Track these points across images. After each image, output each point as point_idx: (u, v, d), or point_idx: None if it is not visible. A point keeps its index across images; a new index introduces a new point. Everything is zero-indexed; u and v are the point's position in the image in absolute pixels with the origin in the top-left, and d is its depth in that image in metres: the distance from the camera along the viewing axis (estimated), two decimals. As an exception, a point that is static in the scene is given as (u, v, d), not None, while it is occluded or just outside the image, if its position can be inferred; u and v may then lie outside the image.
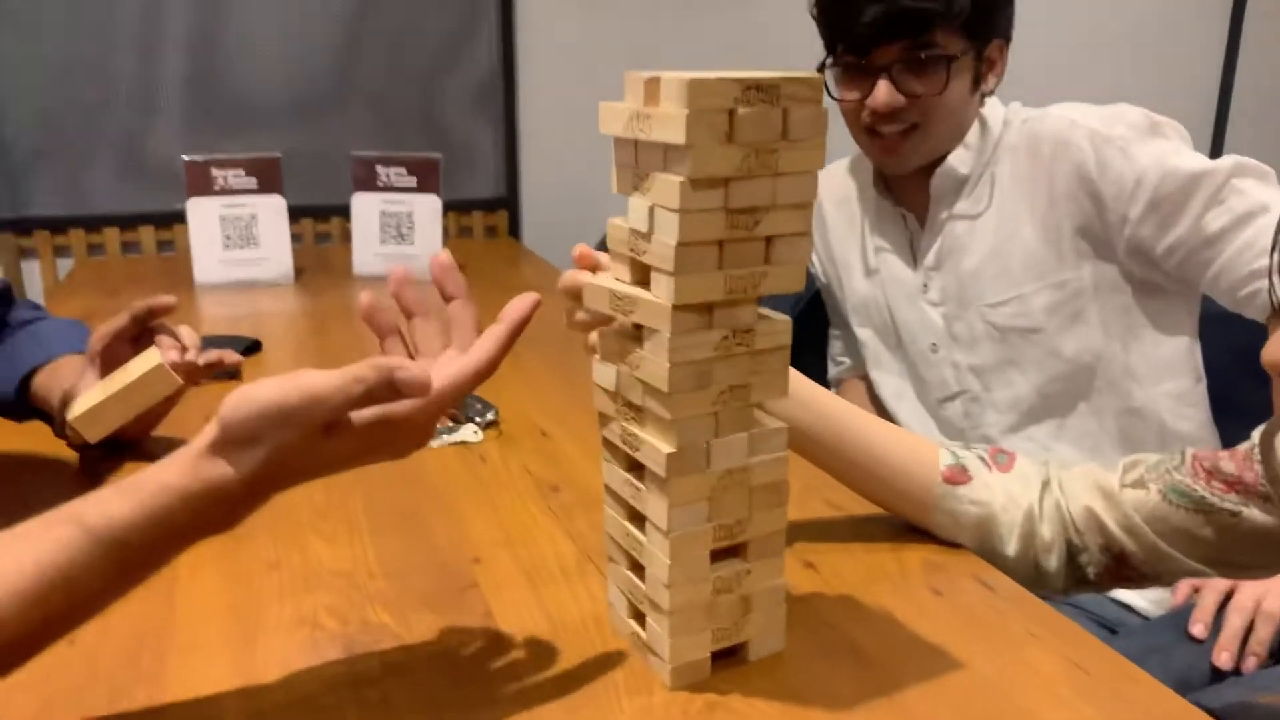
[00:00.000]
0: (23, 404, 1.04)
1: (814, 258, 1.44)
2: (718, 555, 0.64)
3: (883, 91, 1.13)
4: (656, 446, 0.61)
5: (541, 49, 2.30)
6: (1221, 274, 1.05)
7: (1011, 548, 0.80)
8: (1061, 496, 0.80)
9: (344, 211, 2.19)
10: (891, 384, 1.36)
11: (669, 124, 0.55)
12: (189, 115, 2.11)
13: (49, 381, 1.02)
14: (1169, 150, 1.07)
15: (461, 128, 2.29)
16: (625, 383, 0.63)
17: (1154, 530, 0.75)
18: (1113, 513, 0.78)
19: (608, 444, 0.67)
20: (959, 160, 1.19)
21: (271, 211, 1.77)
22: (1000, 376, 1.22)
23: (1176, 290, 1.14)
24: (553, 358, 1.38)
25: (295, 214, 2.12)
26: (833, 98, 1.19)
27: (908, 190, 1.26)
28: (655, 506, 0.62)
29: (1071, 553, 0.80)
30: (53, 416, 0.98)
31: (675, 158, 0.55)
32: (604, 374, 0.65)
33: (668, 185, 0.56)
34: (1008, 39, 1.18)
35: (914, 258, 1.27)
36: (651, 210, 0.58)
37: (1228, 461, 0.73)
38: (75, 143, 2.05)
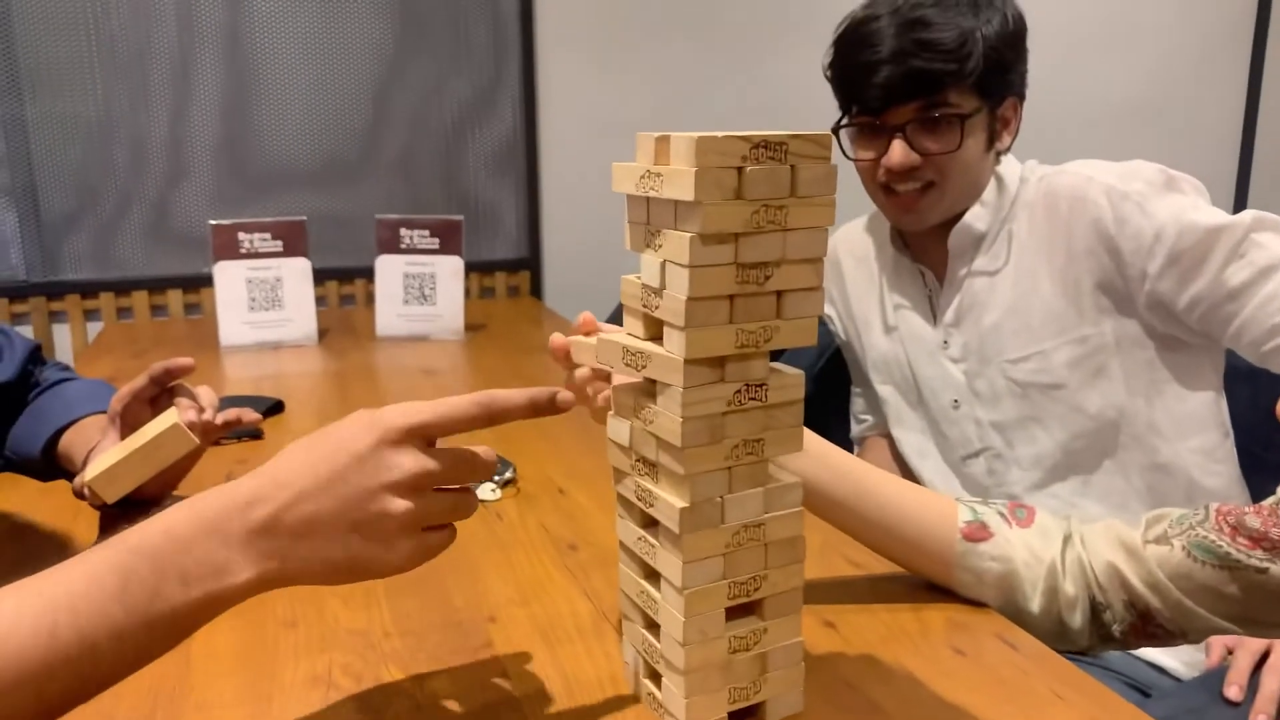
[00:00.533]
0: (49, 463, 1.06)
1: (833, 314, 1.45)
2: (733, 613, 0.63)
3: (897, 151, 1.14)
4: (670, 501, 0.61)
5: (562, 112, 2.34)
6: (1244, 328, 1.04)
7: (1035, 604, 0.78)
8: (1084, 552, 0.79)
9: (368, 273, 2.23)
10: (914, 441, 1.35)
11: (678, 181, 0.55)
12: (217, 179, 2.16)
13: (74, 441, 1.04)
14: (1186, 205, 1.07)
15: (484, 190, 2.33)
16: (639, 438, 0.63)
17: (1179, 587, 0.74)
18: (1136, 569, 0.76)
19: (622, 500, 0.67)
20: (976, 217, 1.20)
21: (296, 274, 1.80)
22: (1023, 433, 1.21)
23: (1200, 345, 1.13)
24: (570, 417, 1.38)
25: (319, 276, 2.15)
26: (848, 157, 1.20)
27: (926, 247, 1.27)
28: (669, 562, 0.62)
29: (1095, 609, 0.78)
30: (75, 476, 0.99)
31: (685, 214, 0.56)
32: (618, 429, 0.65)
33: (678, 241, 0.57)
34: (1021, 97, 1.19)
35: (933, 314, 1.27)
36: (663, 266, 0.59)
37: (1253, 517, 0.72)
38: (106, 206, 2.10)
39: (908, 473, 1.35)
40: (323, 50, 2.17)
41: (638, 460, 0.64)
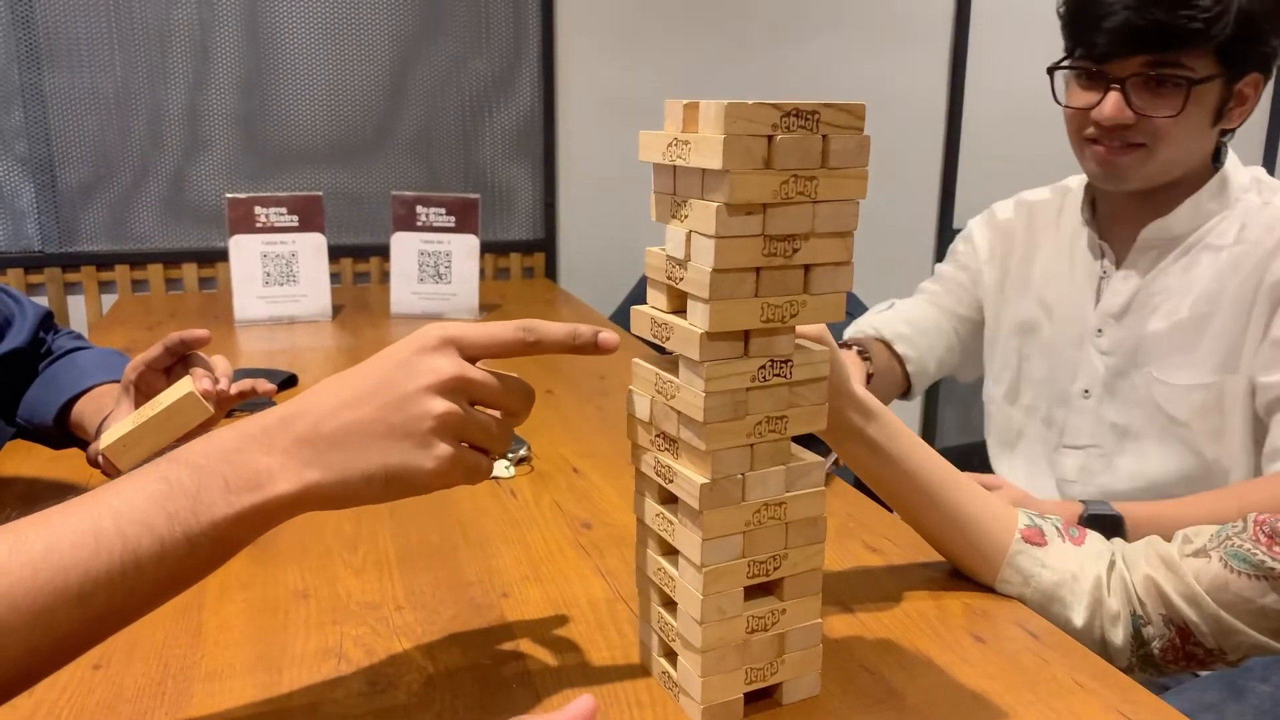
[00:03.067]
0: (62, 431, 1.05)
1: (980, 248, 1.35)
2: (752, 592, 0.62)
3: (1110, 104, 1.04)
4: (690, 478, 0.60)
5: (580, 94, 2.32)
6: None
7: (1079, 617, 0.77)
8: (1125, 568, 0.78)
9: (383, 251, 2.22)
10: (1015, 418, 1.29)
11: (706, 149, 0.54)
12: (234, 154, 2.15)
13: (87, 409, 1.03)
14: None
15: (501, 171, 2.31)
16: (660, 412, 0.62)
17: (1216, 600, 0.73)
18: (1173, 581, 0.75)
19: (641, 476, 0.66)
20: (1180, 219, 1.11)
21: (311, 249, 1.79)
22: (1136, 446, 1.15)
23: None
24: (585, 395, 1.37)
25: (335, 253, 2.15)
26: (1057, 102, 1.12)
27: (1114, 227, 1.18)
28: (688, 540, 0.61)
29: (1136, 626, 0.77)
30: (88, 444, 0.99)
31: (712, 183, 0.55)
32: (638, 404, 0.64)
33: (705, 211, 0.55)
34: (1268, 74, 1.06)
35: (1096, 299, 1.20)
36: (689, 237, 0.57)
37: (1289, 521, 0.71)
38: (123, 179, 2.09)
39: (928, 431, 1.33)
40: (342, 27, 2.15)
41: (658, 435, 0.63)
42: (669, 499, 0.64)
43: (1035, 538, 0.80)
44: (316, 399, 0.57)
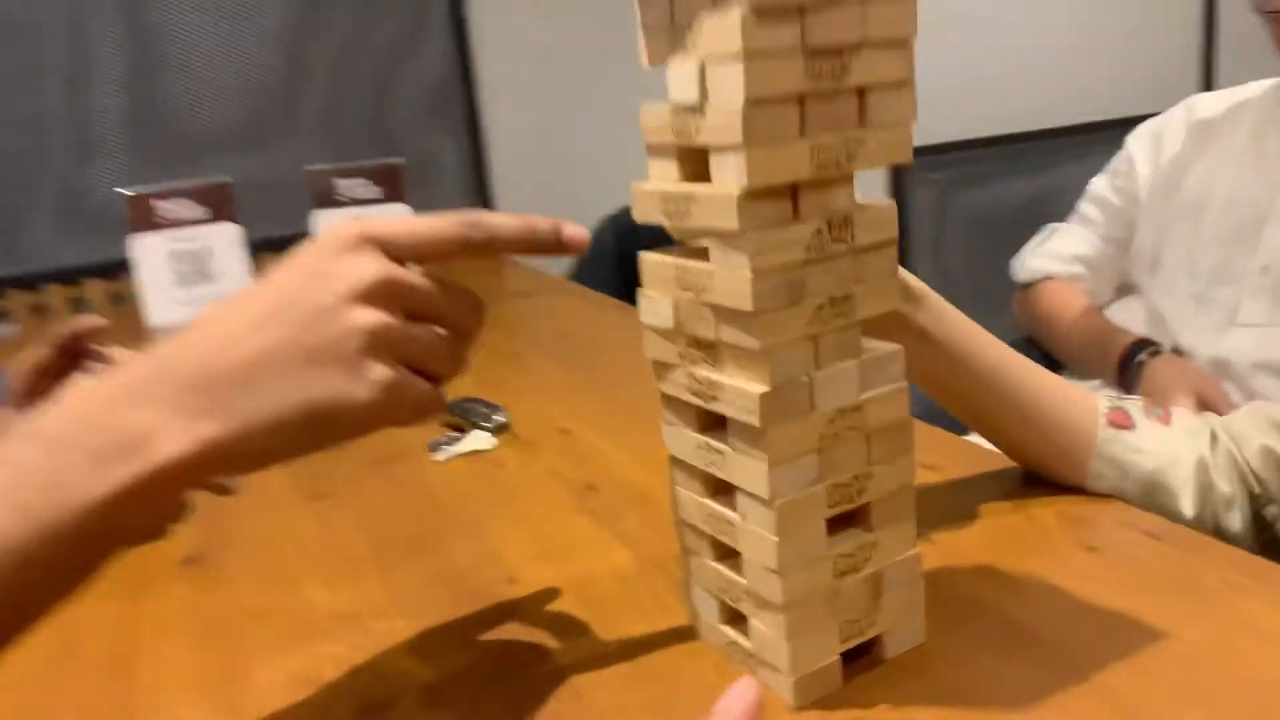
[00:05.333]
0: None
1: (1139, 162, 1.35)
2: (834, 526, 0.49)
3: None
4: (743, 388, 0.46)
5: (500, 46, 2.15)
6: None
7: (1189, 507, 0.65)
8: (1232, 444, 0.66)
9: (306, 237, 2.04)
10: (1185, 308, 1.23)
11: (723, -69, 0.40)
12: (130, 153, 1.95)
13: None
14: None
15: (422, 137, 2.14)
16: (688, 314, 0.48)
17: None
18: None
19: (669, 402, 0.52)
20: None
21: (226, 241, 1.61)
22: None
23: None
24: (559, 355, 1.23)
25: (256, 249, 1.96)
26: (1264, 12, 1.10)
27: None
28: (749, 469, 0.47)
29: (1255, 508, 0.65)
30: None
31: (733, -18, 0.41)
32: (656, 310, 0.50)
33: (724, 26, 0.41)
34: None
35: None
36: (702, 69, 0.43)
37: None
38: (7, 196, 1.88)
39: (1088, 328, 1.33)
40: (225, 4, 1.96)
41: (689, 345, 0.49)
42: (713, 423, 0.50)
43: (1122, 420, 0.67)
44: (205, 331, 0.42)
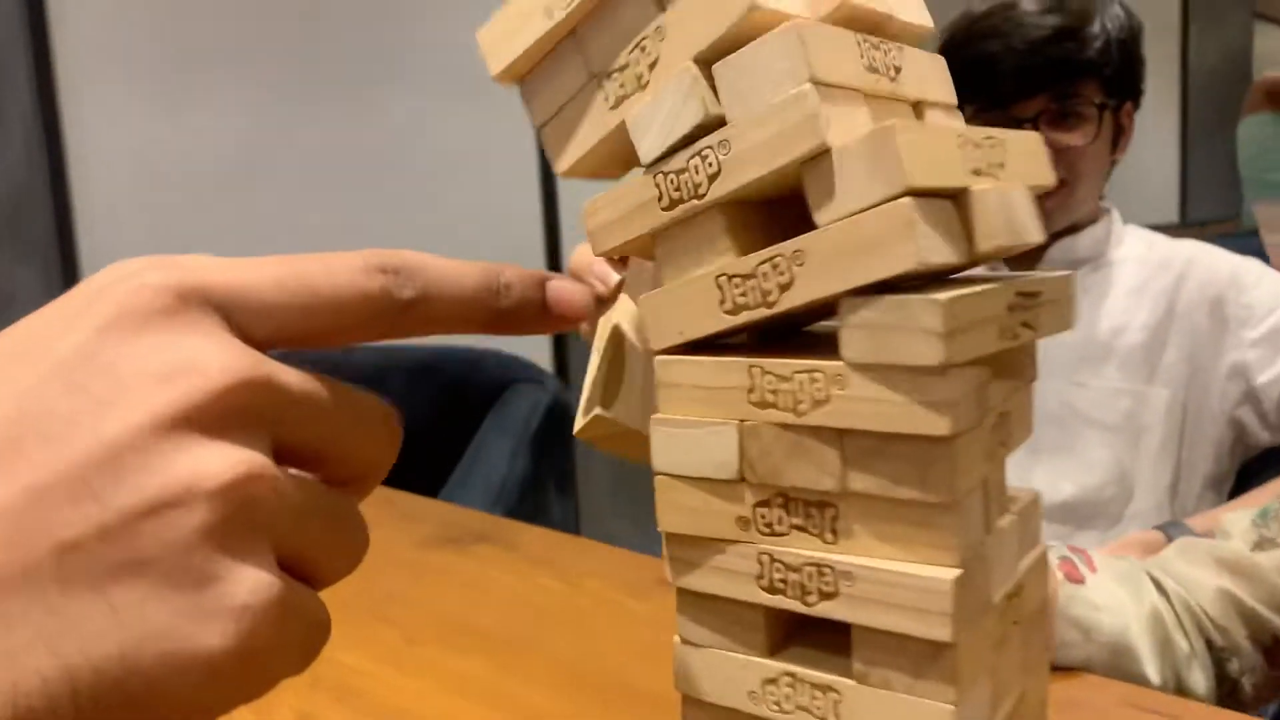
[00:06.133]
0: None
1: None
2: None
3: None
4: (908, 573, 0.26)
5: (105, 161, 1.77)
6: None
7: (1151, 668, 0.55)
8: (1180, 588, 0.57)
9: None
10: None
11: None
12: None
13: None
14: None
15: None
16: (773, 449, 0.28)
17: None
18: (1253, 588, 0.56)
19: (702, 606, 0.31)
20: (1086, 242, 1.10)
21: None
22: (1051, 459, 1.09)
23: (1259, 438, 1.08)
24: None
25: None
26: None
27: (1019, 257, 1.12)
28: (910, 715, 0.27)
29: (1219, 662, 0.56)
30: None
31: None
32: (701, 446, 0.30)
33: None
34: (1138, 104, 1.10)
35: None
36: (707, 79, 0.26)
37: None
38: None
39: None
40: None
41: (766, 504, 0.29)
42: (790, 637, 0.30)
43: (1073, 573, 0.57)
44: None
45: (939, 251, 0.26)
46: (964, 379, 0.26)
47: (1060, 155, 1.05)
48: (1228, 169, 3.00)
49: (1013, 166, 0.30)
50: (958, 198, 0.27)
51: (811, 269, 0.27)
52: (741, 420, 0.29)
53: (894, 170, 0.25)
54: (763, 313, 0.28)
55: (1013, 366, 0.30)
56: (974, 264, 0.29)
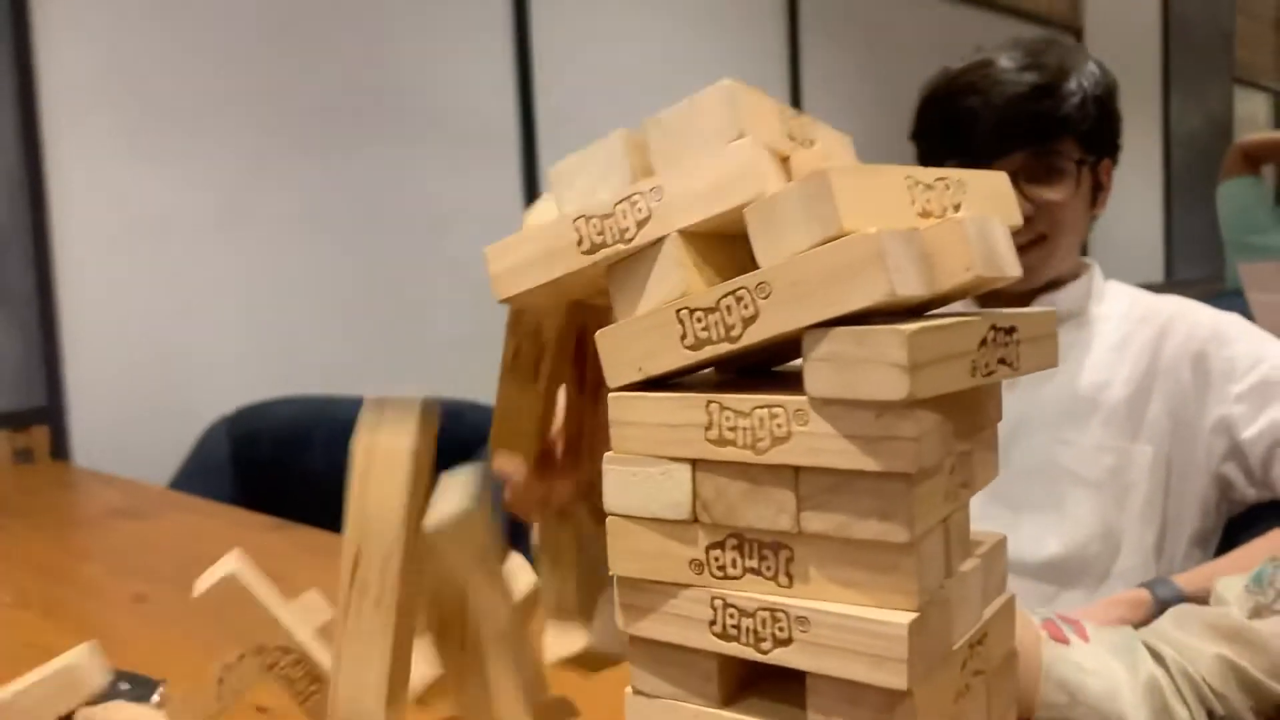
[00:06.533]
0: None
1: None
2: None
3: None
4: (863, 617, 0.25)
5: (83, 209, 1.77)
6: None
7: None
8: (1178, 656, 0.56)
9: None
10: None
11: None
12: None
13: None
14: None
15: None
16: (727, 489, 0.28)
17: None
18: (1254, 655, 0.55)
19: (654, 655, 0.30)
20: (1063, 299, 1.10)
21: None
22: (1035, 516, 1.08)
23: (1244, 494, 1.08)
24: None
25: None
26: None
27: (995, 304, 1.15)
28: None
29: None
30: None
31: None
32: (655, 488, 0.29)
33: None
34: (1116, 160, 1.12)
35: None
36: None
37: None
38: None
39: None
40: None
41: (719, 545, 0.28)
42: (745, 687, 0.28)
43: (1058, 634, 0.55)
44: None
45: (910, 283, 0.25)
46: (929, 416, 0.25)
47: (1040, 210, 1.07)
48: (1211, 229, 3.03)
49: (974, 207, 0.29)
50: (934, 228, 0.27)
51: (776, 301, 0.26)
52: (698, 459, 0.28)
53: (828, 213, 0.25)
54: (726, 347, 0.28)
55: (976, 406, 0.29)
56: (951, 299, 0.28)
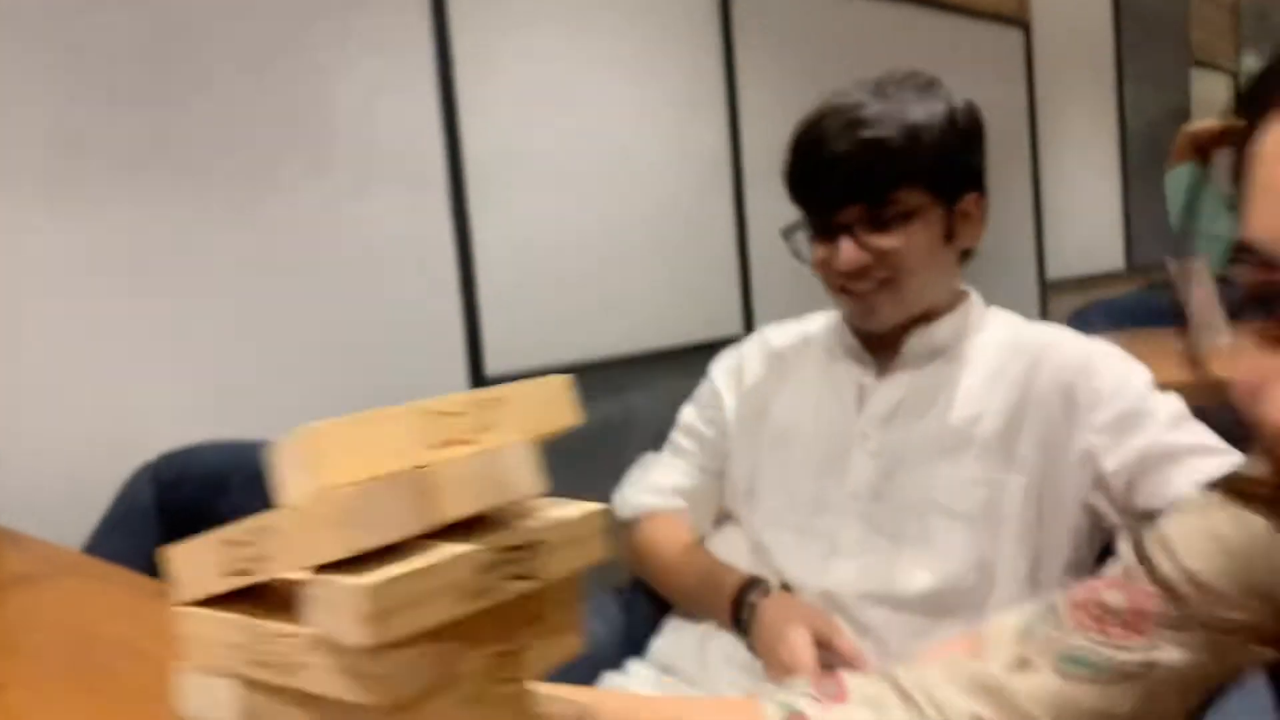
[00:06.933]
0: None
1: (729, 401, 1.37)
2: None
3: (845, 250, 1.08)
4: None
5: None
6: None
7: None
8: (934, 710, 0.57)
9: None
10: (786, 540, 1.22)
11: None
12: None
13: None
14: (1148, 381, 1.09)
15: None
16: (269, 708, 0.29)
17: None
18: (1007, 714, 0.56)
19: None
20: (944, 331, 1.15)
21: None
22: (913, 548, 1.12)
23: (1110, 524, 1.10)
24: (76, 667, 0.91)
25: None
26: (802, 260, 1.15)
27: (874, 346, 1.19)
28: None
29: None
30: None
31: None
32: (217, 697, 0.31)
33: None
34: (982, 191, 1.15)
35: (859, 407, 1.18)
36: None
37: (1114, 592, 0.56)
38: None
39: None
40: None
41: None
42: None
43: (822, 694, 0.57)
44: None
45: (380, 530, 0.27)
46: (404, 654, 0.27)
47: (879, 257, 1.10)
48: (1167, 217, 3.07)
49: (512, 423, 0.31)
50: (428, 468, 0.28)
51: (283, 544, 0.28)
52: (242, 676, 0.30)
53: (313, 467, 0.27)
54: (254, 579, 0.29)
55: (516, 609, 0.31)
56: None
